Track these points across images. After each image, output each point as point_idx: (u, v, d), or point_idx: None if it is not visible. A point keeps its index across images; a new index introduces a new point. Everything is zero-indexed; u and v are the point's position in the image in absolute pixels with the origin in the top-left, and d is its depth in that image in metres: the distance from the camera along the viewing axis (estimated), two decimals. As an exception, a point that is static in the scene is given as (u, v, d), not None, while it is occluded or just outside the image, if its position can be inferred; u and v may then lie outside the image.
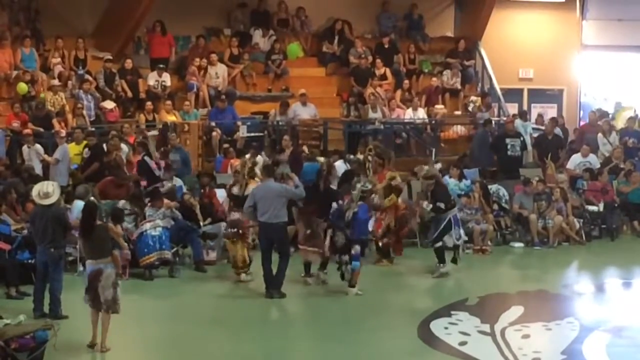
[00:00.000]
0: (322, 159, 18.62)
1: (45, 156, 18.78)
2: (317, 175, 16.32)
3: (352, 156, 19.45)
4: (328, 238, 15.04)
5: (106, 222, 13.72)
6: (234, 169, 18.61)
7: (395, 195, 16.91)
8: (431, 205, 16.22)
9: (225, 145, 20.67)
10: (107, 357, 11.90)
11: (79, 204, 16.22)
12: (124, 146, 18.96)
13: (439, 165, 19.61)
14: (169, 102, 21.53)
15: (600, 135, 22.30)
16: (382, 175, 17.22)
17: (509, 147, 21.35)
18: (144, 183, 17.88)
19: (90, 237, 12.05)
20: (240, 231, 15.39)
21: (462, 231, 16.26)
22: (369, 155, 17.18)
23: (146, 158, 18.41)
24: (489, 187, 19.56)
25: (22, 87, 20.44)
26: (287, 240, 15.03)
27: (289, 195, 14.81)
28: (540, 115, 24.32)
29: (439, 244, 15.96)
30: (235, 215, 15.64)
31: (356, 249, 14.57)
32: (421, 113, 23.08)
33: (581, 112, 26.64)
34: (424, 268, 16.48)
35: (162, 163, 18.41)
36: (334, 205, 15.12)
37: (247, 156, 17.68)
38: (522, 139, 21.62)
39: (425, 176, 16.83)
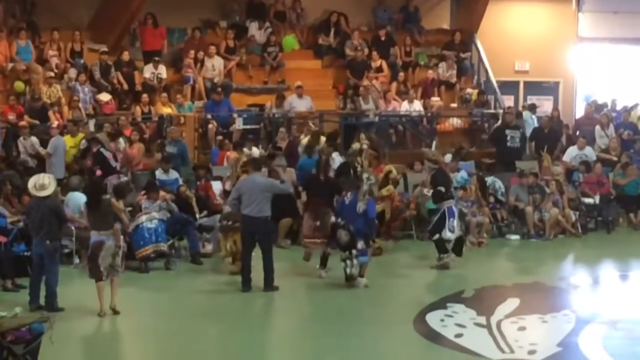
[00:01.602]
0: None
1: (40, 149, 18.76)
2: (316, 165, 16.28)
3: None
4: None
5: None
6: (230, 161, 18.65)
7: (392, 186, 16.97)
8: (432, 191, 16.27)
9: (219, 137, 20.63)
10: (104, 349, 11.91)
11: (74, 196, 16.25)
12: (120, 139, 19.01)
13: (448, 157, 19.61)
14: (164, 94, 21.52)
15: (598, 127, 22.33)
16: (379, 169, 17.26)
17: (508, 138, 21.38)
18: (99, 173, 17.84)
19: (96, 210, 13.10)
20: (236, 224, 15.34)
21: (456, 222, 16.16)
22: (364, 144, 17.15)
23: (102, 149, 18.32)
24: (485, 179, 19.57)
25: (19, 85, 20.46)
26: (271, 234, 14.84)
27: (274, 190, 14.73)
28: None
29: (437, 236, 15.96)
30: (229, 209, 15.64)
31: (361, 243, 14.53)
32: (417, 105, 23.07)
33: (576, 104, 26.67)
34: (420, 260, 16.50)
35: (119, 155, 18.49)
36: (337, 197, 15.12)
37: (245, 149, 17.78)
38: (521, 130, 21.64)
39: (430, 158, 16.90)
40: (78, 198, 16.01)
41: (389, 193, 16.92)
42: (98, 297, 12.87)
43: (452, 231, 15.90)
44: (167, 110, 21.03)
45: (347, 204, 14.67)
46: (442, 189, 16.05)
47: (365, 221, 14.61)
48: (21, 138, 18.88)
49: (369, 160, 17.01)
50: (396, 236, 18.27)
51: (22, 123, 19.18)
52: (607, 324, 12.81)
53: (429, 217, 17.09)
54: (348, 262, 14.58)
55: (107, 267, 12.89)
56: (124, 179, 17.75)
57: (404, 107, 22.96)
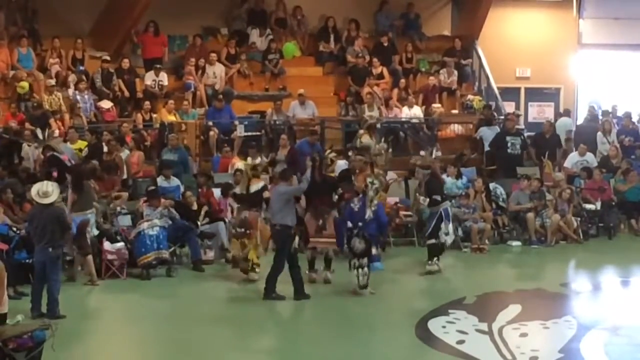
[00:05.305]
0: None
1: (41, 156, 18.76)
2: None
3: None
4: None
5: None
6: (233, 167, 18.67)
7: (383, 193, 16.96)
8: (427, 200, 16.27)
9: (225, 146, 20.61)
10: (106, 356, 11.92)
11: None
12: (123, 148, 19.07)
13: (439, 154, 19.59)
14: (172, 102, 21.42)
15: (600, 134, 22.30)
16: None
17: (509, 145, 21.35)
18: (55, 174, 17.83)
19: (81, 193, 15.52)
20: (248, 231, 15.35)
21: (451, 225, 16.19)
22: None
23: (55, 153, 18.24)
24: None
25: (24, 85, 20.45)
26: (284, 245, 14.45)
27: (289, 193, 14.72)
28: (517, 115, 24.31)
29: (433, 240, 15.96)
30: (244, 215, 15.59)
31: (375, 249, 14.56)
32: (417, 110, 23.02)
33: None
34: (422, 267, 16.46)
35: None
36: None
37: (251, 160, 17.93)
38: (522, 137, 21.64)
39: (422, 165, 16.88)
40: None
41: (379, 200, 16.91)
42: (89, 268, 15.03)
43: (447, 234, 15.92)
44: (171, 118, 21.02)
45: (356, 210, 14.64)
46: (438, 197, 16.07)
47: (377, 226, 14.74)
48: (25, 144, 18.87)
49: (359, 167, 16.88)
50: (397, 243, 18.31)
51: (27, 128, 19.19)
52: (609, 330, 12.80)
53: (427, 222, 17.01)
54: (360, 270, 14.45)
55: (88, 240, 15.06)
56: None
57: (405, 112, 22.92)
